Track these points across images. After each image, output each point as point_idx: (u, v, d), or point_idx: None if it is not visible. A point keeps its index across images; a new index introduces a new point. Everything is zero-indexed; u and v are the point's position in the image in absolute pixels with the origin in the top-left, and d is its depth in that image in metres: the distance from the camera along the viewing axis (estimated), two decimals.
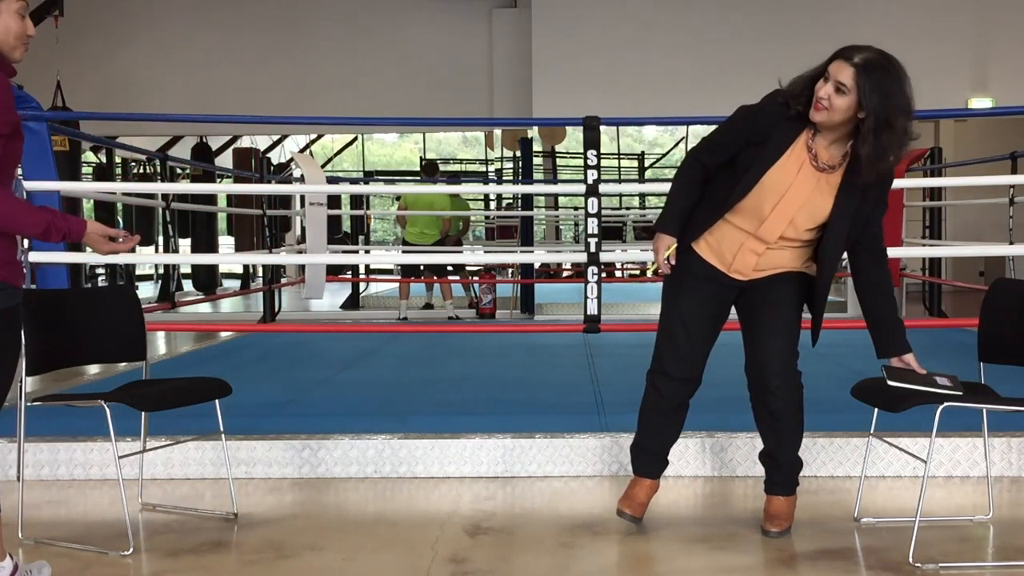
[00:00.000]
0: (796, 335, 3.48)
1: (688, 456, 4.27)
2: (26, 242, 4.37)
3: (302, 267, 10.54)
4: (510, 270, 13.17)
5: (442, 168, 24.26)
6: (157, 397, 3.58)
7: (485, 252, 12.90)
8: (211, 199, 15.58)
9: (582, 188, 4.85)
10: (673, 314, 3.51)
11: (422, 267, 11.10)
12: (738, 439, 4.27)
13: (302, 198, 11.02)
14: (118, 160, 17.16)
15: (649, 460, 3.63)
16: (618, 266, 17.44)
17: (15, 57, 2.73)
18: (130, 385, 3.74)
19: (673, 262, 3.38)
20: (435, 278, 11.26)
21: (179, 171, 16.96)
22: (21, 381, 3.48)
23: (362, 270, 15.28)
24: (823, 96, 3.11)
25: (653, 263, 3.40)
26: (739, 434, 4.28)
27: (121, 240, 2.89)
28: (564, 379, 5.99)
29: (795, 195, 3.25)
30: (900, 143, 3.10)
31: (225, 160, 17.15)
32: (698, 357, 3.51)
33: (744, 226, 3.34)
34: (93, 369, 6.26)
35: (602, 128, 4.88)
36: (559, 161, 19.67)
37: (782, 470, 3.53)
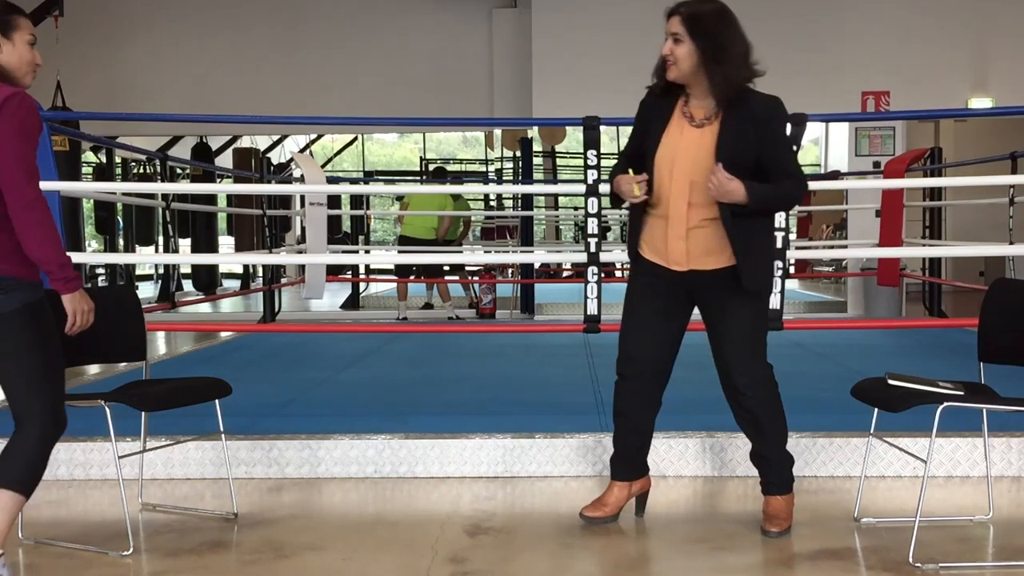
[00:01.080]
0: (755, 330, 3.50)
1: (688, 456, 4.27)
2: None
3: (302, 267, 10.54)
4: (510, 270, 13.17)
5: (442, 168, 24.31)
6: (157, 397, 3.58)
7: (483, 252, 12.89)
8: (211, 199, 15.58)
9: (582, 188, 4.85)
10: (623, 314, 3.60)
11: (414, 268, 11.09)
12: (738, 439, 4.27)
13: (302, 198, 11.02)
14: (118, 160, 17.15)
15: (617, 462, 3.66)
16: (618, 266, 17.43)
17: (25, 83, 3.02)
18: (130, 385, 3.74)
19: (644, 177, 3.41)
20: (430, 278, 11.26)
21: (179, 171, 16.95)
22: None
23: (362, 270, 15.28)
24: (666, 52, 3.38)
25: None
26: (739, 434, 4.27)
27: (75, 326, 3.03)
28: (564, 379, 5.99)
29: (684, 157, 3.38)
30: (742, 69, 3.31)
31: (225, 160, 17.13)
32: (645, 353, 3.55)
33: (660, 212, 3.44)
34: (93, 369, 6.26)
35: (602, 128, 4.88)
36: (559, 161, 19.66)
37: (772, 468, 3.54)
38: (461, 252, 11.13)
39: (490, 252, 13.18)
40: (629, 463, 3.65)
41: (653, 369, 3.56)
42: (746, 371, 3.47)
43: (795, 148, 3.45)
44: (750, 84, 3.39)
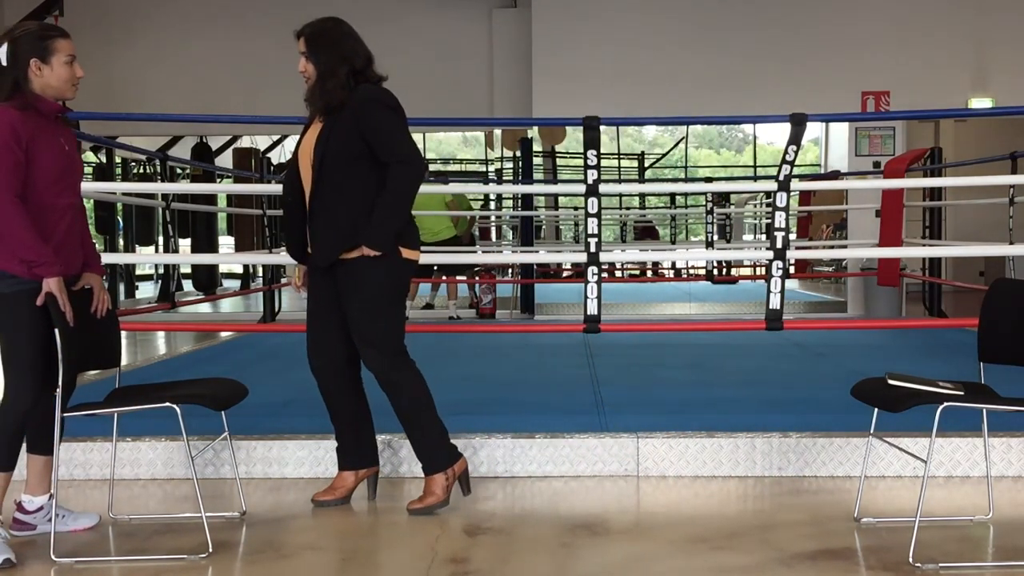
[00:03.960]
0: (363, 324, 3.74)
1: (688, 456, 4.27)
2: None
3: None
4: (510, 270, 13.17)
5: (442, 168, 24.29)
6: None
7: (482, 252, 12.88)
8: (211, 199, 15.56)
9: (582, 188, 4.85)
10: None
11: (435, 267, 11.04)
12: (738, 439, 4.27)
13: None
14: (118, 160, 17.13)
15: (339, 452, 3.98)
16: (618, 266, 17.43)
17: (68, 96, 3.38)
18: (130, 389, 3.72)
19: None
20: (444, 278, 11.23)
21: (179, 171, 16.94)
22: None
23: None
24: (301, 70, 3.72)
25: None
26: (739, 434, 4.28)
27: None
28: (564, 379, 5.99)
29: (305, 148, 3.74)
30: (345, 85, 3.66)
31: (225, 160, 17.12)
32: (321, 343, 3.83)
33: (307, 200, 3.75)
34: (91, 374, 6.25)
35: (602, 128, 4.88)
36: (559, 161, 19.65)
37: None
38: (475, 251, 11.06)
39: (490, 252, 13.17)
40: (347, 453, 3.92)
41: (333, 357, 3.83)
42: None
43: (398, 132, 3.76)
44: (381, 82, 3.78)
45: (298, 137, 3.88)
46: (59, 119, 3.42)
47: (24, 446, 3.47)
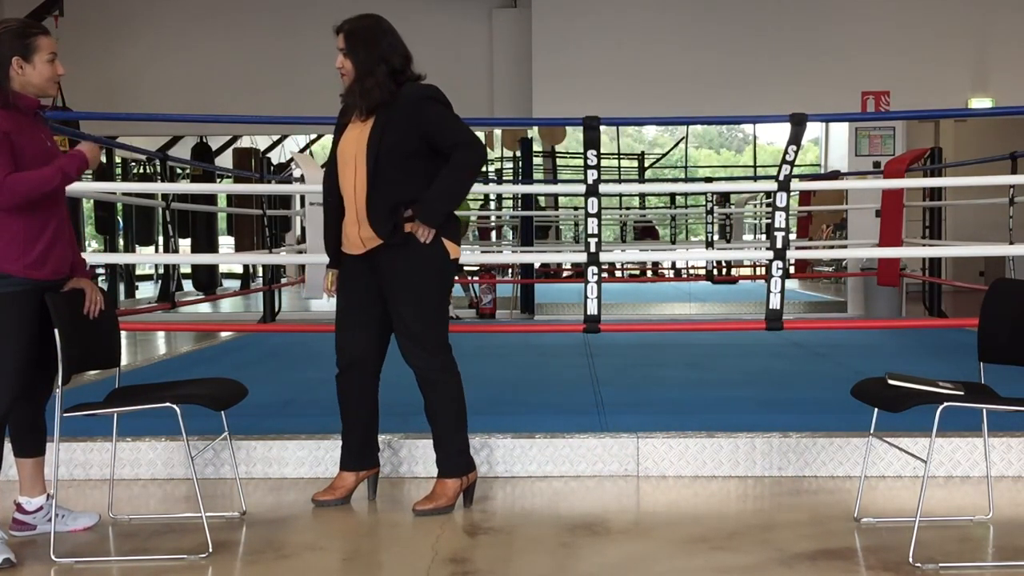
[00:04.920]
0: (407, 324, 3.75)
1: (688, 456, 4.27)
2: None
3: (302, 267, 10.53)
4: (510, 270, 13.17)
5: None
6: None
7: (482, 252, 12.88)
8: (211, 199, 15.56)
9: (582, 188, 4.85)
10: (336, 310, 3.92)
11: None
12: (738, 439, 4.27)
13: (302, 198, 11.01)
14: (118, 160, 17.14)
15: (343, 452, 3.96)
16: (618, 266, 17.43)
17: (50, 94, 3.38)
18: (131, 388, 3.72)
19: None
20: None
21: (179, 171, 16.94)
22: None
23: None
24: (338, 65, 3.74)
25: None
26: (739, 434, 4.28)
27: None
28: (564, 379, 5.99)
29: (348, 147, 3.74)
30: (384, 84, 3.67)
31: (225, 160, 17.12)
32: (351, 345, 3.88)
33: (346, 198, 3.74)
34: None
35: (602, 128, 4.88)
36: (559, 161, 19.65)
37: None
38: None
39: (489, 252, 13.17)
40: (353, 454, 3.91)
41: (362, 357, 3.87)
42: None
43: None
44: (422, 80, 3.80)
45: (332, 137, 3.85)
46: (38, 116, 3.41)
47: (12, 450, 3.47)
